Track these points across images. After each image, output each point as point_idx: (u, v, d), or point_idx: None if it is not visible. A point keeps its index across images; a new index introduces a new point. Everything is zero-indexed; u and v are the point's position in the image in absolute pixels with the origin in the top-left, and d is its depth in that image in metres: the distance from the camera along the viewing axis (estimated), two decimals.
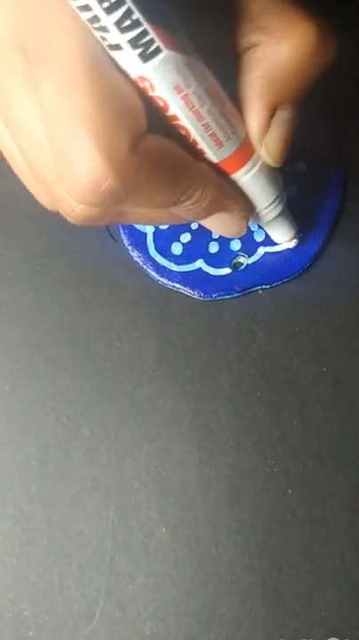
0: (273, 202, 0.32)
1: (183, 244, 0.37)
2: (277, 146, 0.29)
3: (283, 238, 0.35)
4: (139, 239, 0.37)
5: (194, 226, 0.37)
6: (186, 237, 0.37)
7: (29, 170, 0.28)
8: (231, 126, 0.28)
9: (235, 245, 0.37)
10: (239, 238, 0.37)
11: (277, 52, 0.26)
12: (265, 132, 0.29)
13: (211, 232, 0.37)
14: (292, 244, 0.36)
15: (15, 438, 0.36)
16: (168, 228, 0.37)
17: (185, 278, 0.37)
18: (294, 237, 0.35)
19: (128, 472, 0.35)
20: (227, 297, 0.37)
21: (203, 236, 0.37)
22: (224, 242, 0.37)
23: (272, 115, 0.28)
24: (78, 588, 0.34)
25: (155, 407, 0.36)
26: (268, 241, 0.37)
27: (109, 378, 0.36)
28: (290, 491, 0.35)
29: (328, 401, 0.35)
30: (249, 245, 0.37)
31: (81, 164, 0.24)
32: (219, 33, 0.27)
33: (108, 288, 0.37)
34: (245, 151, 0.29)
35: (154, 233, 0.37)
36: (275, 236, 0.35)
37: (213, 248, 0.37)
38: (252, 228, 0.37)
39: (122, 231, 0.37)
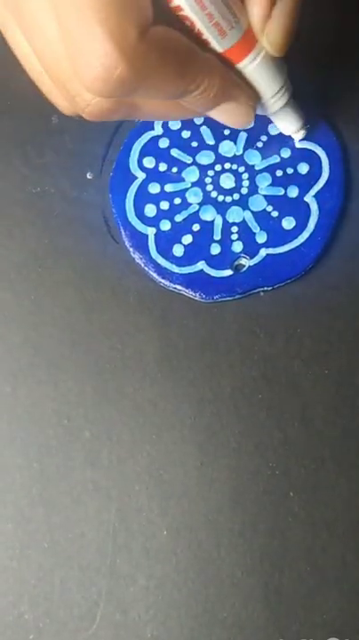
0: (278, 91, 0.32)
1: (185, 245, 0.37)
2: (279, 35, 0.30)
3: (291, 129, 0.36)
4: (140, 241, 0.37)
5: (195, 227, 0.37)
6: (187, 239, 0.37)
7: (44, 69, 0.28)
8: (234, 15, 0.29)
9: (237, 247, 0.37)
10: (241, 240, 0.37)
11: None
12: (266, 21, 0.29)
13: (212, 234, 0.37)
14: (300, 135, 0.36)
15: (16, 440, 0.36)
16: (170, 230, 0.37)
17: (186, 280, 0.37)
18: (302, 128, 0.36)
19: (129, 474, 0.35)
20: (228, 299, 0.36)
21: (204, 237, 0.37)
22: (226, 244, 0.37)
23: (273, 4, 0.29)
24: (79, 591, 0.34)
25: (156, 409, 0.36)
26: (270, 243, 0.36)
27: (111, 380, 0.36)
28: (291, 493, 0.35)
29: (330, 403, 0.35)
30: (251, 247, 0.37)
31: (92, 54, 0.25)
32: None
33: (110, 290, 0.37)
34: (249, 40, 0.30)
35: (155, 235, 0.37)
36: (282, 127, 0.36)
37: (215, 250, 0.37)
38: (254, 230, 0.37)
39: (123, 233, 0.37)
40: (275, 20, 0.29)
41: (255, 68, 0.31)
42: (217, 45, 0.29)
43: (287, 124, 0.35)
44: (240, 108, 0.31)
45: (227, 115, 0.32)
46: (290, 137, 0.37)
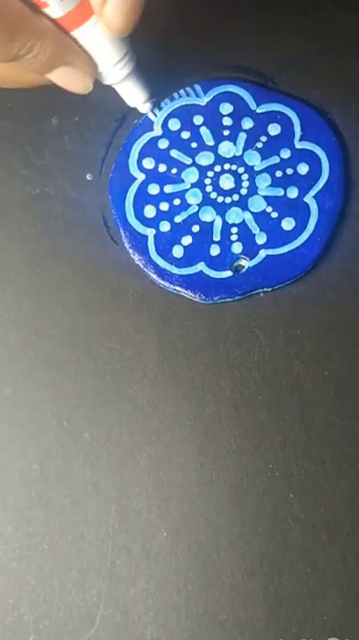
0: (119, 61, 0.33)
1: (184, 246, 0.37)
2: (116, 17, 0.30)
3: (135, 101, 0.36)
4: (140, 242, 0.37)
5: (195, 229, 0.37)
6: (187, 240, 0.37)
7: None
8: None
9: (237, 248, 0.37)
10: (241, 241, 0.36)
11: None
12: (103, 2, 0.30)
13: (211, 235, 0.37)
14: (146, 109, 0.37)
15: (16, 442, 0.36)
16: (169, 231, 0.37)
17: (186, 281, 0.37)
18: (147, 100, 0.36)
19: (129, 476, 0.35)
20: (228, 300, 0.36)
21: (204, 238, 0.37)
22: (225, 245, 0.37)
23: None
24: (79, 593, 0.34)
25: (156, 411, 0.36)
26: (270, 243, 0.36)
27: (111, 381, 0.36)
28: (291, 495, 0.35)
29: (330, 404, 0.35)
30: (250, 248, 0.36)
31: None
32: None
33: (110, 291, 0.37)
34: (87, 8, 0.30)
35: (155, 236, 0.37)
36: (126, 98, 0.36)
37: (214, 251, 0.37)
38: (254, 231, 0.37)
39: (123, 234, 0.37)
40: (112, 3, 0.30)
41: (92, 37, 0.31)
42: (55, 8, 0.29)
43: (130, 96, 0.36)
44: (76, 74, 0.32)
45: (64, 79, 0.32)
46: (290, 137, 0.37)
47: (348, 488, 0.34)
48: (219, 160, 0.38)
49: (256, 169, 0.37)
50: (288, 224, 0.37)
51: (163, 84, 0.38)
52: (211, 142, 0.38)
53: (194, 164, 0.38)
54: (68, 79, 0.32)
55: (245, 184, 0.37)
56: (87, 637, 0.34)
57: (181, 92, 0.38)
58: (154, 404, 0.36)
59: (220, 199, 0.37)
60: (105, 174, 0.38)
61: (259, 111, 0.38)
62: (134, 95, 0.36)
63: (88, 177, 0.39)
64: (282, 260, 0.36)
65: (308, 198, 0.37)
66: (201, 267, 0.37)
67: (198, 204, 0.37)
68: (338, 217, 0.37)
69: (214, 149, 0.38)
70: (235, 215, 0.37)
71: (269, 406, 0.35)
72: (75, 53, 0.32)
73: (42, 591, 0.35)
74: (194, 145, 0.38)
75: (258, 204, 0.37)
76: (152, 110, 0.37)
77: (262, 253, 0.36)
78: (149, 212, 0.37)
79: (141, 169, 0.38)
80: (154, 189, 0.38)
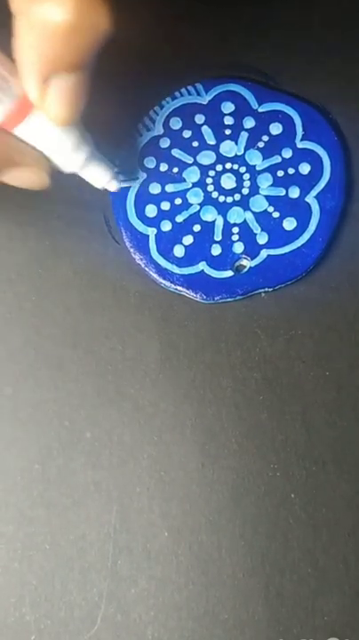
0: (72, 149, 0.31)
1: (185, 246, 0.37)
2: (58, 109, 0.29)
3: (100, 182, 0.34)
4: (141, 242, 0.37)
5: (196, 228, 0.37)
6: (188, 240, 0.37)
7: None
8: (4, 80, 0.28)
9: (238, 248, 0.37)
10: (242, 240, 0.36)
11: (41, 22, 0.26)
12: (42, 96, 0.28)
13: (213, 234, 0.37)
14: (114, 187, 0.35)
15: (17, 442, 0.36)
16: (171, 231, 0.37)
17: (187, 281, 0.36)
18: (112, 179, 0.34)
19: (130, 476, 0.35)
20: (229, 300, 0.36)
21: (205, 238, 0.37)
22: (227, 244, 0.37)
23: (47, 81, 0.28)
24: (80, 593, 0.34)
25: (157, 411, 0.36)
26: (271, 243, 0.36)
27: (112, 381, 0.36)
28: (292, 495, 0.35)
29: (331, 405, 0.35)
30: (251, 248, 0.36)
31: None
32: None
33: (111, 291, 0.37)
34: (26, 104, 0.29)
35: (156, 235, 0.37)
36: (91, 182, 0.35)
37: (216, 250, 0.37)
38: (255, 231, 0.37)
39: (124, 234, 0.37)
40: (51, 96, 0.28)
41: (37, 132, 0.30)
42: None
43: (94, 179, 0.34)
44: (29, 172, 0.31)
45: (18, 180, 0.31)
46: (292, 137, 0.37)
47: (350, 488, 0.34)
48: (221, 159, 0.37)
49: (257, 168, 0.37)
50: (289, 224, 0.36)
51: (165, 83, 0.38)
52: (212, 141, 0.38)
53: (195, 163, 0.38)
54: (21, 179, 0.31)
55: (247, 184, 0.37)
56: (88, 637, 0.34)
57: (183, 90, 0.38)
58: (155, 404, 0.36)
59: (222, 199, 0.37)
60: None
61: (260, 110, 0.38)
62: (98, 178, 0.34)
63: None
64: (283, 260, 0.36)
65: (310, 198, 0.37)
66: (202, 266, 0.37)
67: (199, 204, 0.37)
68: (339, 217, 0.37)
69: (216, 148, 0.38)
70: (236, 215, 0.37)
71: (270, 406, 0.35)
72: (24, 152, 0.30)
73: (43, 591, 0.35)
74: (195, 144, 0.38)
75: (259, 203, 0.37)
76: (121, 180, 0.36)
77: (263, 253, 0.36)
78: (150, 211, 0.37)
79: (142, 168, 0.38)
80: (155, 189, 0.37)
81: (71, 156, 0.32)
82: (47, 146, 0.31)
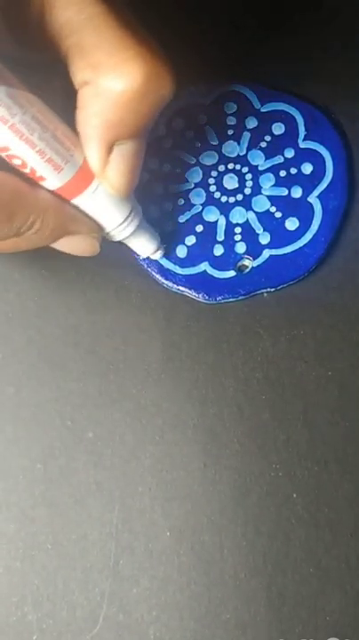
0: (124, 220, 0.32)
1: (188, 246, 0.37)
2: (119, 178, 0.29)
3: (146, 252, 0.35)
4: None
5: (199, 228, 0.37)
6: (191, 240, 0.37)
7: None
8: (68, 150, 0.28)
9: (241, 248, 0.37)
10: (244, 241, 0.36)
11: (107, 90, 0.26)
12: (104, 165, 0.29)
13: (215, 235, 0.37)
14: (158, 256, 0.36)
15: (20, 441, 0.36)
16: (173, 231, 0.37)
17: (189, 281, 0.37)
18: (158, 249, 0.35)
19: (132, 476, 0.35)
20: (231, 300, 0.36)
21: (207, 238, 0.37)
22: (229, 245, 0.37)
23: (110, 149, 0.28)
24: (82, 592, 0.34)
25: (159, 410, 0.36)
26: (274, 243, 0.36)
27: (114, 381, 0.36)
28: (294, 495, 0.35)
29: (333, 405, 0.35)
30: (254, 248, 0.36)
31: None
32: (49, 70, 0.28)
33: (113, 291, 0.37)
34: (86, 174, 0.29)
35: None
36: (137, 251, 0.35)
37: (218, 251, 0.37)
38: (258, 231, 0.37)
39: None
40: (113, 165, 0.29)
41: (95, 202, 0.30)
42: (54, 181, 0.29)
43: (140, 248, 0.35)
44: (82, 241, 0.31)
45: (70, 247, 0.32)
46: (294, 137, 0.37)
47: (352, 488, 0.34)
48: (223, 159, 0.37)
49: (260, 168, 0.37)
50: (292, 224, 0.37)
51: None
52: (214, 142, 0.38)
53: (197, 163, 0.38)
54: (74, 246, 0.32)
55: (249, 184, 0.37)
56: (90, 637, 0.34)
57: (185, 91, 0.38)
58: (157, 404, 0.36)
59: (224, 199, 0.37)
60: None
61: (263, 110, 0.38)
62: (144, 247, 0.35)
63: None
64: (285, 260, 0.36)
65: (312, 198, 0.37)
66: (204, 266, 0.37)
67: (202, 204, 0.37)
68: (342, 217, 0.37)
69: (218, 149, 0.38)
70: (238, 215, 0.37)
71: (272, 406, 0.35)
72: (79, 221, 0.31)
73: (45, 590, 0.35)
74: (197, 144, 0.38)
75: (261, 203, 0.37)
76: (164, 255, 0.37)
77: (266, 253, 0.36)
78: (153, 211, 0.37)
79: (145, 168, 0.38)
80: (158, 189, 0.38)
81: (123, 226, 0.32)
82: (102, 216, 0.31)
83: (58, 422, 0.36)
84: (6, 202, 0.27)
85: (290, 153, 0.37)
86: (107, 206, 0.31)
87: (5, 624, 0.34)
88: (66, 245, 0.32)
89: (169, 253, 0.37)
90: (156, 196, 0.37)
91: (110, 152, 0.28)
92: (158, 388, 0.36)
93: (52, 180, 0.29)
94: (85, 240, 0.32)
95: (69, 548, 0.35)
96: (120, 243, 0.34)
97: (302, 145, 0.37)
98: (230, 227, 0.37)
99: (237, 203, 0.37)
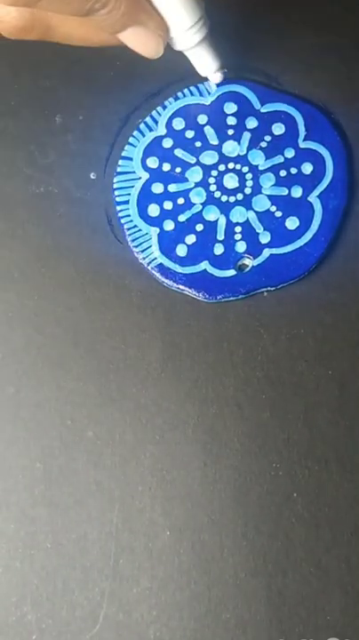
0: (193, 25, 0.32)
1: (188, 245, 0.37)
2: None
3: (207, 70, 0.35)
4: (143, 241, 0.37)
5: (199, 227, 0.37)
6: (191, 239, 0.37)
7: None
8: None
9: (241, 247, 0.37)
10: (244, 240, 0.36)
11: None
12: None
13: (215, 234, 0.37)
14: (217, 79, 0.36)
15: (19, 441, 0.36)
16: (173, 230, 0.37)
17: (190, 280, 0.37)
18: (218, 70, 0.35)
19: (132, 475, 0.35)
20: (232, 299, 0.36)
21: (208, 237, 0.37)
22: (229, 244, 0.37)
23: None
24: (82, 592, 0.34)
25: (159, 410, 0.36)
26: (274, 243, 0.36)
27: (114, 380, 0.36)
28: (295, 494, 0.35)
29: (333, 404, 0.35)
30: (254, 247, 0.36)
31: None
32: None
33: (113, 290, 0.37)
34: None
35: (158, 234, 0.37)
36: (198, 67, 0.35)
37: (218, 250, 0.37)
38: (258, 230, 0.37)
39: (127, 233, 0.37)
40: None
41: None
42: None
43: (202, 64, 0.35)
44: (148, 36, 0.32)
45: (135, 40, 0.32)
46: (294, 137, 0.37)
47: (352, 487, 0.34)
48: (224, 159, 0.38)
49: (260, 168, 0.37)
50: (292, 223, 0.37)
51: (167, 83, 0.39)
52: (215, 141, 0.38)
53: (198, 163, 0.38)
54: (139, 41, 0.32)
55: (249, 183, 0.37)
56: (90, 636, 0.34)
57: (185, 91, 0.38)
58: (157, 403, 0.36)
59: (224, 198, 0.37)
60: (109, 173, 0.38)
61: (263, 111, 0.38)
62: (206, 63, 0.35)
63: (92, 176, 0.39)
64: (285, 260, 0.36)
65: (312, 198, 0.37)
66: (205, 265, 0.37)
67: (202, 203, 0.37)
68: (342, 216, 0.37)
69: (218, 149, 0.38)
70: (239, 214, 0.37)
71: (273, 405, 0.35)
72: (149, 14, 0.31)
73: (45, 590, 0.34)
74: (198, 144, 0.38)
75: (262, 203, 0.37)
76: (221, 81, 0.37)
77: (266, 252, 0.36)
78: (153, 210, 0.37)
79: (145, 168, 0.38)
80: (158, 188, 0.38)
81: (189, 31, 0.32)
82: (171, 15, 0.31)
83: (58, 422, 0.36)
84: None
85: (290, 153, 0.37)
86: (178, 4, 0.31)
87: (5, 624, 0.34)
88: (131, 38, 0.32)
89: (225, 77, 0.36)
90: (157, 195, 0.37)
91: None
92: (158, 388, 0.36)
93: None
94: (151, 37, 0.32)
95: (69, 548, 0.35)
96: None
97: (302, 145, 0.37)
98: (230, 226, 0.37)
99: (237, 202, 0.37)
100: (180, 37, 0.33)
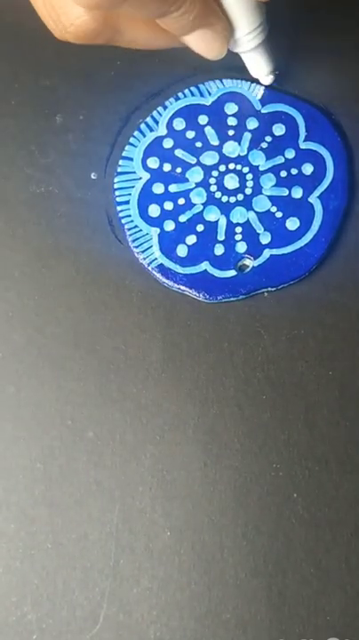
0: (255, 29, 0.33)
1: (188, 245, 0.37)
2: None
3: (260, 71, 0.36)
4: (144, 241, 0.37)
5: (199, 228, 0.37)
6: (191, 239, 0.37)
7: None
8: None
9: (241, 248, 0.37)
10: (245, 240, 0.36)
11: None
12: None
13: (216, 234, 0.37)
14: (269, 80, 0.37)
15: (19, 441, 0.36)
16: (174, 231, 0.37)
17: (190, 280, 0.37)
18: (271, 72, 0.36)
19: (133, 475, 0.35)
20: (232, 299, 0.36)
21: (208, 238, 0.37)
22: (230, 244, 0.37)
23: None
24: (82, 592, 0.34)
25: (160, 410, 0.36)
26: (274, 243, 0.36)
27: (114, 380, 0.36)
28: (295, 495, 0.35)
29: (334, 404, 0.35)
30: (255, 248, 0.37)
31: None
32: None
33: (114, 290, 0.37)
34: None
35: (159, 235, 0.37)
36: (252, 68, 0.36)
37: (219, 250, 0.37)
38: (258, 231, 0.37)
39: (127, 233, 0.37)
40: None
41: (236, 1, 0.32)
42: None
43: (257, 66, 0.36)
44: (215, 38, 0.32)
45: (201, 42, 0.32)
46: (295, 138, 0.37)
47: (352, 488, 0.34)
48: (224, 160, 0.38)
49: (261, 169, 0.37)
50: (292, 224, 0.37)
51: (168, 83, 0.39)
52: (215, 142, 0.38)
53: (198, 163, 0.38)
54: (204, 43, 0.32)
55: (250, 184, 0.37)
56: (90, 636, 0.34)
57: (186, 91, 0.38)
58: (157, 404, 0.36)
59: (225, 199, 0.37)
60: (109, 173, 0.38)
61: (263, 111, 0.38)
62: (260, 66, 0.36)
63: (92, 176, 0.39)
64: (286, 260, 0.36)
65: (313, 198, 0.37)
66: (205, 266, 0.37)
67: (203, 204, 0.37)
68: (342, 217, 0.37)
69: (219, 149, 0.38)
70: (239, 215, 0.37)
71: (273, 406, 0.35)
72: (217, 16, 0.32)
73: (45, 590, 0.34)
74: (198, 144, 0.38)
75: (262, 203, 0.37)
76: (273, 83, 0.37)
77: (266, 253, 0.36)
78: (154, 211, 0.37)
79: (146, 168, 0.38)
80: (158, 189, 0.38)
81: (250, 34, 0.33)
82: (238, 18, 0.33)
83: (58, 422, 0.36)
84: None
85: (290, 153, 0.37)
86: (246, 7, 0.32)
87: (5, 624, 0.34)
88: (197, 40, 0.32)
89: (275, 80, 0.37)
90: (157, 195, 0.37)
91: None
92: (159, 388, 0.36)
93: None
94: (217, 38, 0.32)
95: (69, 548, 0.35)
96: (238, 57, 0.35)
97: (303, 146, 0.37)
98: (231, 226, 0.37)
99: (238, 202, 0.37)
100: (242, 40, 0.34)
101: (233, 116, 0.38)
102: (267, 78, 0.37)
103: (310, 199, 0.37)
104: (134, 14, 0.30)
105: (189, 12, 0.30)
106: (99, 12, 0.29)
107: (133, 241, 0.37)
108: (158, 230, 0.37)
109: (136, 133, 0.38)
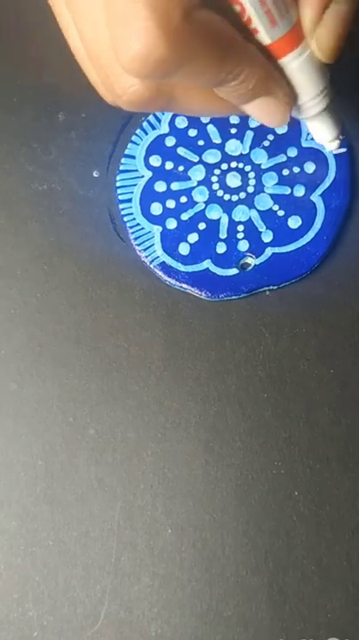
0: (319, 94, 0.31)
1: (190, 244, 0.37)
2: (328, 40, 0.29)
3: (325, 137, 0.33)
4: (146, 239, 0.37)
5: (201, 226, 0.37)
6: (193, 238, 0.37)
7: (88, 55, 0.28)
8: (285, 4, 0.27)
9: (243, 246, 0.37)
10: (247, 238, 0.37)
11: None
12: (317, 22, 0.28)
13: (218, 232, 0.37)
14: (334, 146, 0.34)
15: (21, 438, 0.36)
16: (176, 229, 0.37)
17: (192, 279, 0.37)
18: (337, 138, 0.33)
19: (134, 473, 0.35)
20: (234, 297, 0.36)
21: (210, 236, 0.37)
22: (232, 242, 0.37)
23: (326, 6, 0.28)
24: (83, 589, 0.34)
25: (161, 408, 0.36)
26: (276, 241, 0.36)
27: (116, 378, 0.36)
28: (296, 492, 0.35)
29: (335, 403, 0.35)
30: (256, 246, 0.37)
31: (134, 32, 0.24)
32: None
33: (116, 288, 0.37)
34: (296, 35, 0.28)
35: (161, 233, 0.37)
36: (316, 135, 0.33)
37: (221, 248, 0.37)
38: (260, 229, 0.37)
39: (129, 231, 0.37)
40: (325, 24, 0.28)
41: (298, 66, 0.29)
42: (265, 35, 0.28)
43: (321, 132, 0.33)
44: (277, 106, 0.30)
45: (262, 111, 0.30)
46: (297, 136, 0.37)
47: (353, 486, 0.34)
48: (226, 158, 0.38)
49: (263, 167, 0.37)
50: (294, 222, 0.37)
51: None
52: (218, 140, 0.38)
53: (200, 161, 0.38)
54: (266, 112, 0.30)
55: (252, 182, 0.37)
56: (91, 633, 0.34)
57: None
58: (159, 401, 0.36)
59: (227, 197, 0.37)
60: (112, 171, 0.39)
61: None
62: (327, 132, 0.33)
63: (95, 174, 0.39)
64: (288, 258, 0.36)
65: (315, 197, 0.37)
66: (207, 264, 0.37)
67: (205, 202, 0.37)
68: (344, 215, 0.37)
69: (221, 147, 0.38)
70: (241, 213, 0.37)
71: (274, 404, 0.36)
72: (279, 83, 0.30)
73: (46, 587, 0.35)
74: (201, 143, 0.38)
75: (264, 202, 0.37)
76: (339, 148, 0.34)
77: (268, 251, 0.37)
78: (156, 209, 0.37)
79: (148, 166, 0.38)
80: (160, 187, 0.38)
81: (317, 99, 0.31)
82: (300, 84, 0.30)
83: (60, 419, 0.36)
84: (224, 45, 0.27)
85: (292, 152, 0.37)
86: (308, 72, 0.30)
87: (6, 621, 0.34)
88: (258, 109, 0.30)
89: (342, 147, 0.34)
90: (159, 193, 0.38)
91: (324, 10, 0.28)
92: (160, 386, 0.36)
93: (264, 35, 0.28)
94: (279, 106, 0.30)
95: (71, 545, 0.35)
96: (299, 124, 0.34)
97: (305, 144, 0.37)
98: (233, 225, 0.37)
99: (240, 201, 0.37)
100: (305, 106, 0.31)
101: None
102: (331, 144, 0.34)
103: (312, 197, 0.37)
104: (189, 84, 0.28)
105: (249, 80, 0.28)
106: (152, 81, 0.27)
107: (135, 239, 0.37)
108: (160, 228, 0.37)
109: (138, 131, 0.38)
